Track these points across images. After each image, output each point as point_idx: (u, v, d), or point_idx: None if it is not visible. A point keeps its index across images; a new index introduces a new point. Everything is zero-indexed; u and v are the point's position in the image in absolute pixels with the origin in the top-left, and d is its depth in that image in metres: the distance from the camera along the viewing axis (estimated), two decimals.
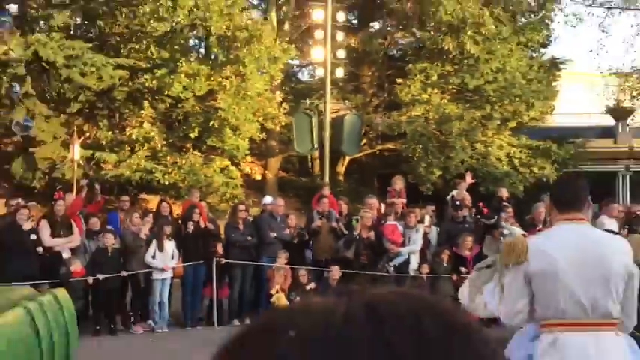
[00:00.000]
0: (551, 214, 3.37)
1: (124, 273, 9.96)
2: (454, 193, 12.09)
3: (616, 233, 6.71)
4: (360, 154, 19.01)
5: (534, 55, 19.28)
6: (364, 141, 19.00)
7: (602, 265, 3.10)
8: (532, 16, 19.22)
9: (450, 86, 17.63)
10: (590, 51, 44.07)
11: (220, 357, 0.56)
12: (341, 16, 17.05)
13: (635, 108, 20.43)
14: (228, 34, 15.54)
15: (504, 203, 10.36)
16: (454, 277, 10.60)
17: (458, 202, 11.68)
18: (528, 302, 3.19)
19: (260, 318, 0.55)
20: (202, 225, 10.79)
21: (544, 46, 19.80)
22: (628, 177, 20.11)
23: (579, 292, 3.08)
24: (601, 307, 3.08)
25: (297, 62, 21.09)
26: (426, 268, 11.01)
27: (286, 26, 19.38)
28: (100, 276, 9.68)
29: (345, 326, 0.50)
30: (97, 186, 11.88)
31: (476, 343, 0.49)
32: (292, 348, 0.50)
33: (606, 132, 20.85)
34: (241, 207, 11.56)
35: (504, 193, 12.55)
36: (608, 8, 19.66)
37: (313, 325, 0.50)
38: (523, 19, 19.20)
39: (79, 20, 17.90)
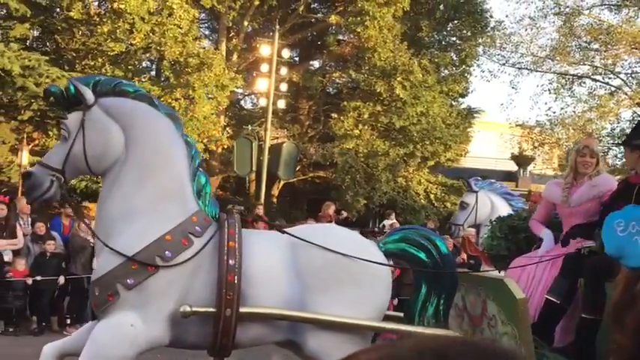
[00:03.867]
0: None
1: (61, 280, 9.49)
2: (385, 222, 12.21)
3: None
4: (294, 180, 19.02)
5: (454, 103, 19.92)
6: (298, 167, 19.04)
7: None
8: (454, 69, 19.92)
9: (379, 124, 17.96)
10: (502, 104, 45.95)
11: None
12: (285, 53, 17.18)
13: (535, 157, 21.36)
14: (181, 59, 15.32)
15: None
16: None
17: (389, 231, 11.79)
18: None
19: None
20: None
21: (462, 96, 20.52)
22: None
23: None
24: None
25: (240, 91, 21.00)
26: None
27: (235, 57, 19.32)
28: (38, 277, 9.21)
29: None
30: None
31: None
32: None
33: (510, 176, 21.72)
34: None
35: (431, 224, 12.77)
36: (519, 68, 20.58)
37: None
38: (446, 71, 19.88)
39: (37, 33, 17.28)
